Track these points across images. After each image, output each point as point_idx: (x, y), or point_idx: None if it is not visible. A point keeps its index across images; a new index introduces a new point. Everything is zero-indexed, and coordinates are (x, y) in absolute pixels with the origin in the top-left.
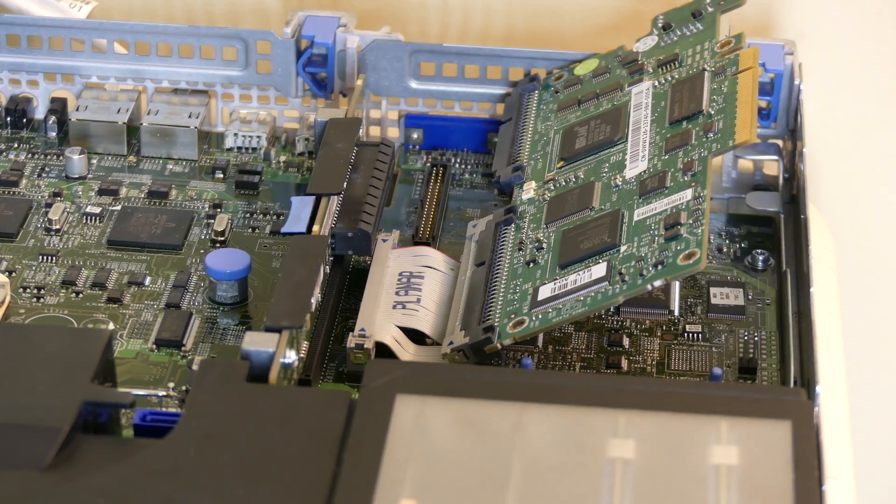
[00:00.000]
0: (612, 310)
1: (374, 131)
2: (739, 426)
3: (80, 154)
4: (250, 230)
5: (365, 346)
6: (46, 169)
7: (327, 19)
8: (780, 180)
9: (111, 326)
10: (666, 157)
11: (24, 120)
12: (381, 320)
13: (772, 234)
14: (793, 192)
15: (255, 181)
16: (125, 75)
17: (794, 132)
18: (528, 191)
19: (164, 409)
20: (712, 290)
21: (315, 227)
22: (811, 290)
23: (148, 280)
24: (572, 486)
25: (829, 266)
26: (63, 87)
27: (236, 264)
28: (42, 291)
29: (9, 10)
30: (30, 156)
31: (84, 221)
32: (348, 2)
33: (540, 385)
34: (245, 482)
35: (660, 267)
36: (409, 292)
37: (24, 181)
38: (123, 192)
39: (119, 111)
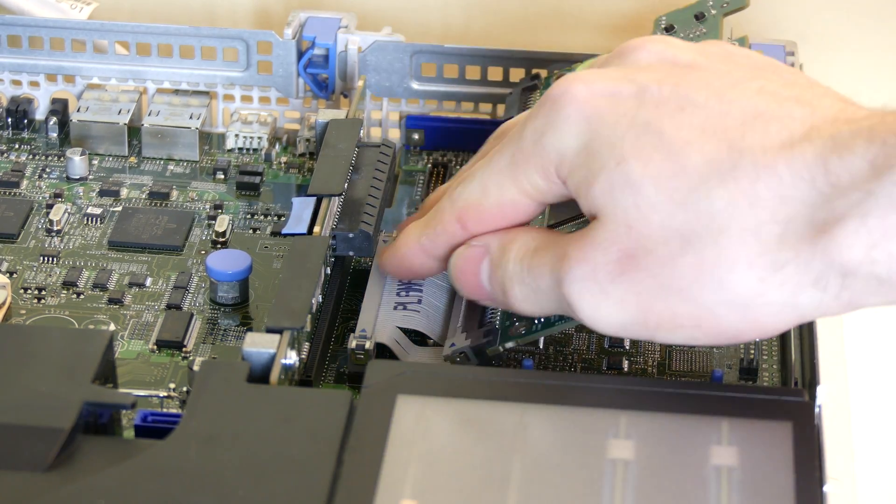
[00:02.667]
0: None
1: (375, 132)
2: (740, 427)
3: (81, 155)
4: (251, 231)
5: (366, 346)
6: (47, 170)
7: (328, 20)
8: None
9: (112, 327)
10: None
11: (25, 121)
12: (381, 321)
13: None
14: None
15: (256, 182)
16: (126, 76)
17: None
18: None
19: (165, 410)
20: None
21: (316, 228)
22: None
23: (149, 281)
24: (573, 486)
25: None
26: (64, 88)
27: (237, 265)
28: (43, 292)
29: (9, 11)
30: (31, 157)
31: (85, 222)
32: (349, 3)
33: (541, 386)
34: (246, 483)
35: None
36: (410, 293)
37: (24, 182)
38: (124, 192)
39: (120, 112)
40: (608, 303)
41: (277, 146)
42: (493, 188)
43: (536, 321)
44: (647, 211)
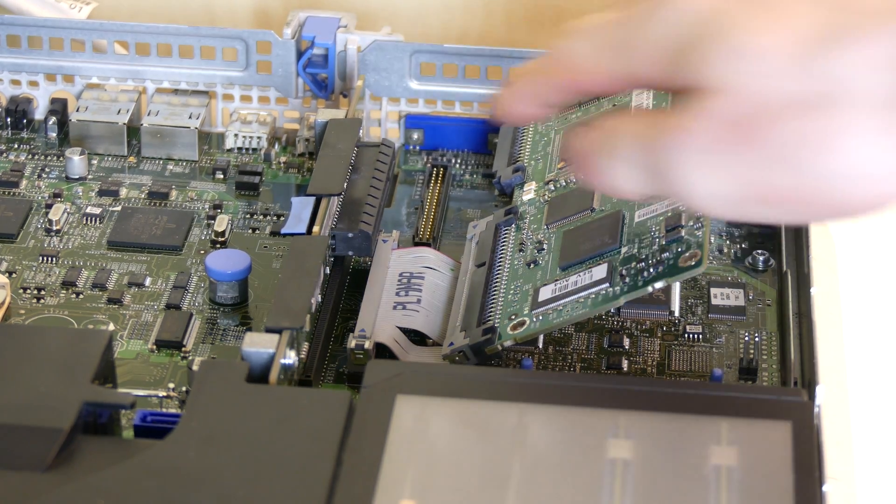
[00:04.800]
0: (612, 310)
1: (375, 132)
2: (740, 427)
3: (80, 155)
4: (250, 231)
5: (365, 346)
6: (47, 170)
7: (328, 20)
8: None
9: (111, 327)
10: None
11: (25, 120)
12: (381, 321)
13: (772, 235)
14: None
15: (255, 182)
16: (125, 76)
17: None
18: (529, 191)
19: (164, 410)
20: (713, 290)
21: (315, 228)
22: (812, 290)
23: (148, 281)
24: (572, 486)
25: (829, 266)
26: (63, 88)
27: (236, 265)
28: (42, 292)
29: (9, 11)
30: (30, 156)
31: (84, 222)
32: (348, 2)
33: (540, 385)
34: (245, 483)
35: (661, 268)
36: (409, 293)
37: (24, 182)
38: (124, 192)
39: (119, 112)
40: (713, 173)
41: (277, 146)
42: (602, 60)
43: (535, 319)
44: (762, 77)
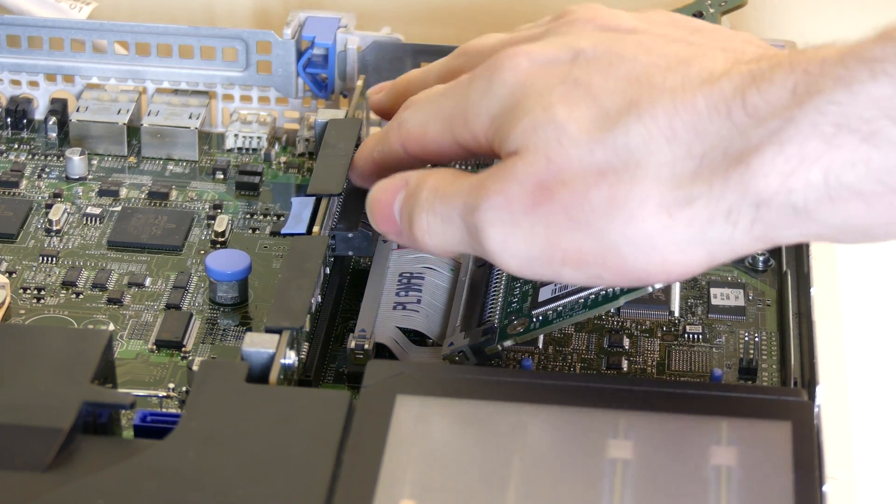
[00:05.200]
0: (612, 310)
1: (375, 132)
2: (740, 427)
3: (80, 155)
4: (250, 231)
5: (365, 346)
6: (47, 170)
7: (327, 20)
8: None
9: (111, 327)
10: None
11: (25, 121)
12: (381, 321)
13: None
14: None
15: (255, 182)
16: (125, 76)
17: None
18: None
19: (164, 410)
20: (713, 290)
21: (315, 228)
22: (811, 290)
23: (148, 281)
24: (572, 486)
25: (829, 266)
26: (63, 88)
27: (236, 265)
28: (42, 292)
29: (9, 11)
30: (30, 156)
31: (84, 222)
32: (348, 2)
33: (540, 385)
34: (245, 483)
35: None
36: (409, 293)
37: (24, 182)
38: (124, 192)
39: (119, 112)
40: (518, 234)
41: (277, 146)
42: (433, 130)
43: (535, 319)
44: (567, 145)
